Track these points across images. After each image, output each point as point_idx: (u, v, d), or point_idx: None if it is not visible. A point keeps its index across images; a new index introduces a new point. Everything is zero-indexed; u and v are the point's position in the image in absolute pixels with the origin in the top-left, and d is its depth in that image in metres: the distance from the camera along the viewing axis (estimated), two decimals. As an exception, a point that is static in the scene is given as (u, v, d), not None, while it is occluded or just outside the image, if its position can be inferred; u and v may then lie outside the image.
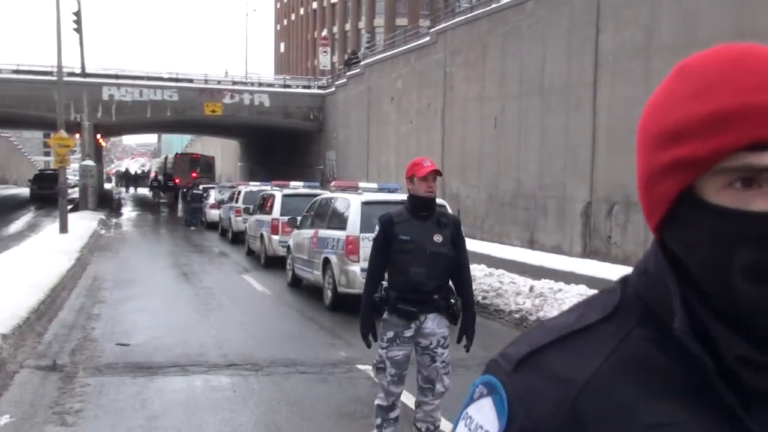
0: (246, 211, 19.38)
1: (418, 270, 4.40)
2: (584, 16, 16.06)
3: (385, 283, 4.56)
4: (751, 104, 0.68)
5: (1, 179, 77.14)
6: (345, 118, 33.89)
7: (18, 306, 9.01)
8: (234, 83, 39.85)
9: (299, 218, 12.80)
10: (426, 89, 24.85)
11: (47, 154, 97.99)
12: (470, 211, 20.89)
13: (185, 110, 35.96)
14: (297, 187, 17.07)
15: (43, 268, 12.61)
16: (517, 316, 9.83)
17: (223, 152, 64.76)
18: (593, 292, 9.00)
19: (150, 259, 17.02)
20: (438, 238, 4.45)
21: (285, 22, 77.70)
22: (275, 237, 15.25)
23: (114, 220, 30.37)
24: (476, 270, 11.62)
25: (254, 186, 22.44)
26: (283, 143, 41.63)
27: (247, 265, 16.35)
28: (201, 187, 29.26)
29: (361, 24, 60.21)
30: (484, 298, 10.71)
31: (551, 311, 9.42)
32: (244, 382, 6.68)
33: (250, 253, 17.74)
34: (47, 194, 37.95)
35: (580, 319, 0.80)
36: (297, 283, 12.72)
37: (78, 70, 35.75)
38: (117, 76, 36.39)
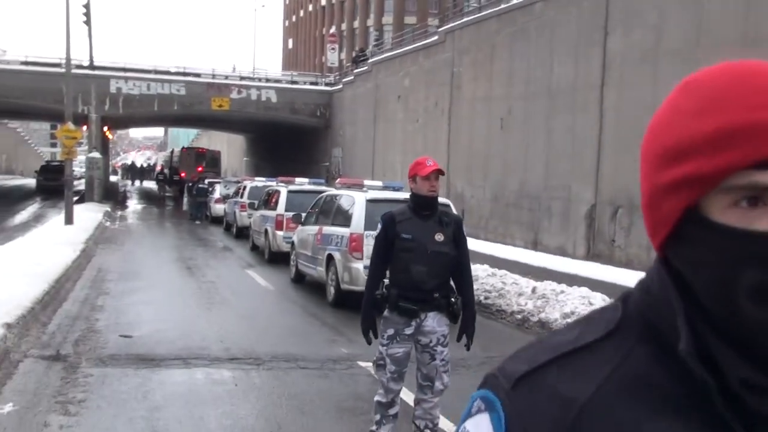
0: (251, 206, 19.44)
1: (419, 268, 4.43)
2: (593, 18, 16.05)
3: (386, 281, 4.60)
4: (760, 122, 0.67)
5: (8, 170, 77.43)
6: (352, 116, 33.91)
7: (23, 296, 9.07)
8: (241, 78, 39.88)
9: (304, 214, 12.85)
10: (433, 88, 24.85)
11: (54, 145, 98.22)
12: (474, 211, 20.90)
13: (192, 104, 36.02)
14: (302, 183, 17.09)
15: (48, 259, 12.68)
16: (519, 317, 9.84)
17: (230, 147, 64.84)
18: (596, 294, 8.97)
19: (154, 253, 17.09)
20: (440, 237, 4.49)
21: (294, 18, 77.70)
22: (279, 233, 15.29)
23: (119, 213, 30.44)
24: (479, 270, 11.64)
25: (260, 181, 22.46)
26: (289, 139, 41.66)
27: (251, 260, 16.41)
28: (206, 181, 29.28)
29: (370, 21, 60.18)
30: (486, 298, 10.72)
31: (553, 313, 9.44)
32: (245, 375, 6.72)
33: (255, 248, 17.79)
34: (53, 185, 38.05)
35: (580, 336, 0.78)
36: (300, 279, 12.76)
37: (86, 63, 35.82)
38: (125, 69, 36.50)
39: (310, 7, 71.51)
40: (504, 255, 15.77)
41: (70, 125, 21.31)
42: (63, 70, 24.67)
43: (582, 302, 9.56)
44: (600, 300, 9.60)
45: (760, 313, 0.67)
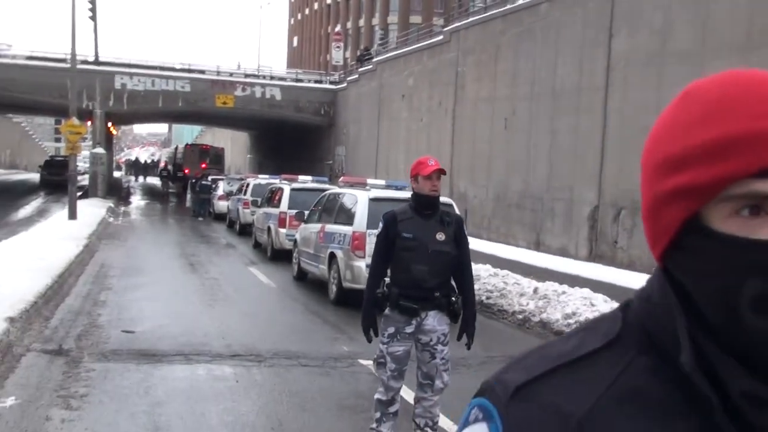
0: (254, 203, 19.47)
1: (420, 267, 4.45)
2: (598, 20, 16.05)
3: (387, 280, 4.62)
4: (763, 131, 0.66)
5: (12, 164, 77.56)
6: (356, 114, 33.93)
7: (26, 290, 9.11)
8: (246, 76, 39.91)
9: (307, 212, 12.87)
10: (437, 88, 24.87)
11: (58, 140, 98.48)
12: (477, 211, 20.92)
13: (197, 101, 36.08)
14: (305, 181, 17.11)
15: (51, 253, 12.72)
16: (520, 317, 9.84)
17: (233, 144, 64.92)
18: (597, 296, 8.94)
19: (157, 249, 17.13)
20: (441, 236, 4.51)
21: (299, 16, 77.72)
22: (282, 230, 15.31)
23: (123, 209, 30.50)
24: (481, 270, 11.65)
25: (263, 179, 22.49)
26: (293, 137, 41.70)
27: (253, 257, 16.43)
28: (210, 178, 29.31)
29: (375, 20, 60.17)
30: (488, 298, 10.73)
31: (554, 313, 9.45)
32: (246, 372, 6.75)
33: (257, 245, 17.81)
34: (57, 180, 38.16)
35: (580, 346, 0.77)
36: (302, 277, 12.78)
37: (91, 59, 35.88)
38: (130, 65, 36.54)
39: (316, 5, 71.51)
40: (506, 255, 15.77)
41: (75, 120, 21.36)
42: (68, 66, 24.73)
43: (583, 303, 9.57)
44: (601, 301, 9.61)
45: (762, 322, 0.67)
